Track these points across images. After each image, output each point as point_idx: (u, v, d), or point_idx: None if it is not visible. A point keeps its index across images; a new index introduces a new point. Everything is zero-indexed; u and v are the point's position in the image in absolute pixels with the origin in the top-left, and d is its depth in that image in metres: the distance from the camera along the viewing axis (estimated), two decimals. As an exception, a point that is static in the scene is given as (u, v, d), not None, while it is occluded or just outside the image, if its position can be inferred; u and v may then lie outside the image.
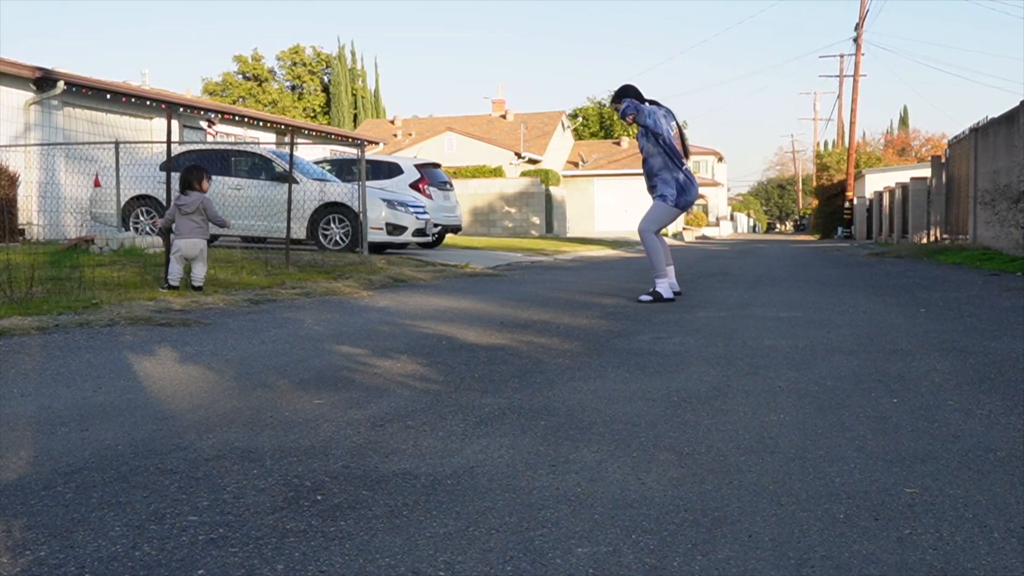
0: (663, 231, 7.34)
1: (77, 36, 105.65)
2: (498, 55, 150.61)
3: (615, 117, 48.22)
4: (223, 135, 18.99)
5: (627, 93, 7.04)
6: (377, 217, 12.13)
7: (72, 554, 1.70)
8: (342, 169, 15.50)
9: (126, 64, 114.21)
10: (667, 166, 7.02)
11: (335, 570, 1.64)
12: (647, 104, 6.97)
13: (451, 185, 16.94)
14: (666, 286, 6.88)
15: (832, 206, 40.11)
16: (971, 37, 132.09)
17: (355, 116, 50.94)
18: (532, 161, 35.95)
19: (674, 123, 7.01)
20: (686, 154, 7.11)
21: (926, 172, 23.69)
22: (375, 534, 1.82)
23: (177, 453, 2.41)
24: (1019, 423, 2.77)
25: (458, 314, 5.95)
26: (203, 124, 18.25)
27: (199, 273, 6.85)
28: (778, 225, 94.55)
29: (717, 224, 51.74)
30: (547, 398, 3.17)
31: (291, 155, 10.66)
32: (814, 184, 45.90)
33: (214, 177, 12.22)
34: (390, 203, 12.46)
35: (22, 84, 14.14)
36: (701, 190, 54.63)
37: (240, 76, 52.68)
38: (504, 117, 41.27)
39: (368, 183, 12.31)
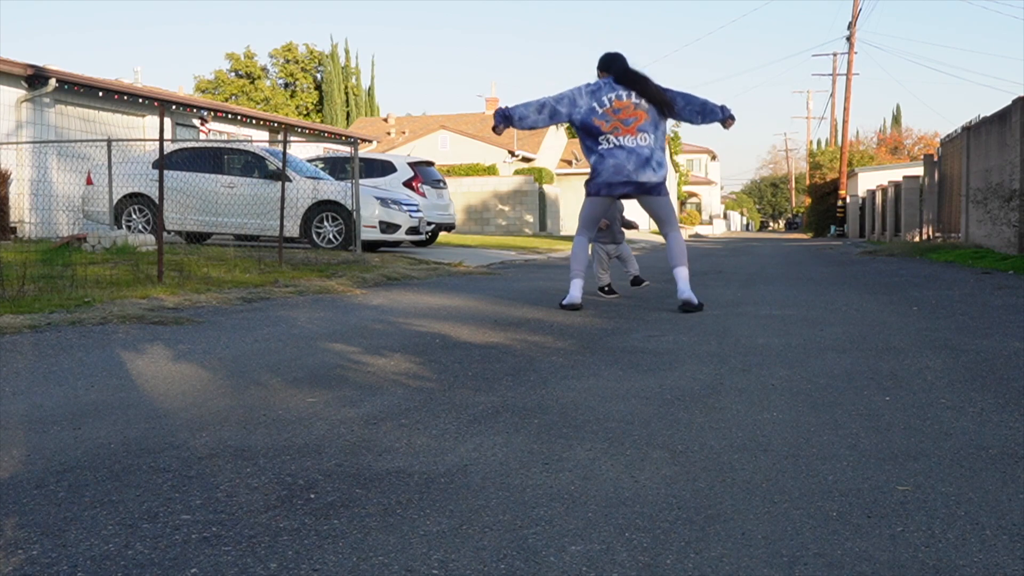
0: (680, 227, 6.42)
1: (69, 34, 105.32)
2: (492, 53, 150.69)
3: None
4: (216, 133, 18.93)
5: (603, 65, 6.18)
6: (370, 215, 12.12)
7: (64, 553, 1.69)
8: (335, 167, 15.47)
9: (118, 62, 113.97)
10: (586, 152, 6.12)
11: (328, 568, 1.63)
12: (581, 86, 6.08)
13: (444, 183, 16.93)
14: (574, 291, 6.12)
15: (825, 204, 40.20)
16: (964, 36, 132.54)
17: (348, 114, 50.83)
18: (526, 159, 35.93)
19: (612, 94, 5.99)
20: (665, 106, 6.01)
21: (919, 171, 23.78)
22: (368, 532, 1.82)
23: (170, 451, 2.40)
24: (1011, 420, 2.78)
25: (451, 312, 5.94)
26: (196, 122, 18.20)
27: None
28: (771, 223, 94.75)
29: (710, 222, 51.88)
30: (540, 396, 3.17)
31: (284, 153, 10.65)
32: (807, 182, 45.99)
33: (206, 175, 12.31)
34: (383, 201, 12.44)
35: (14, 81, 14.08)
36: (695, 188, 54.51)
37: (233, 74, 52.51)
38: (498, 115, 41.17)
39: (361, 181, 12.30)
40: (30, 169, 14.12)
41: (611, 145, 5.97)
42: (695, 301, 5.97)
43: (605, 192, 6.10)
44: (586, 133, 6.02)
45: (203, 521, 1.87)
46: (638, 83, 6.06)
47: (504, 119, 6.02)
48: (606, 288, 7.10)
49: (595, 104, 5.97)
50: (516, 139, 36.12)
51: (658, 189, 6.10)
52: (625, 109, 5.99)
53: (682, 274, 6.09)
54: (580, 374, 3.60)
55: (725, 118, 6.21)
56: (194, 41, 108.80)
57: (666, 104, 6.05)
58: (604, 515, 1.93)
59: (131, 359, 3.85)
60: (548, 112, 5.97)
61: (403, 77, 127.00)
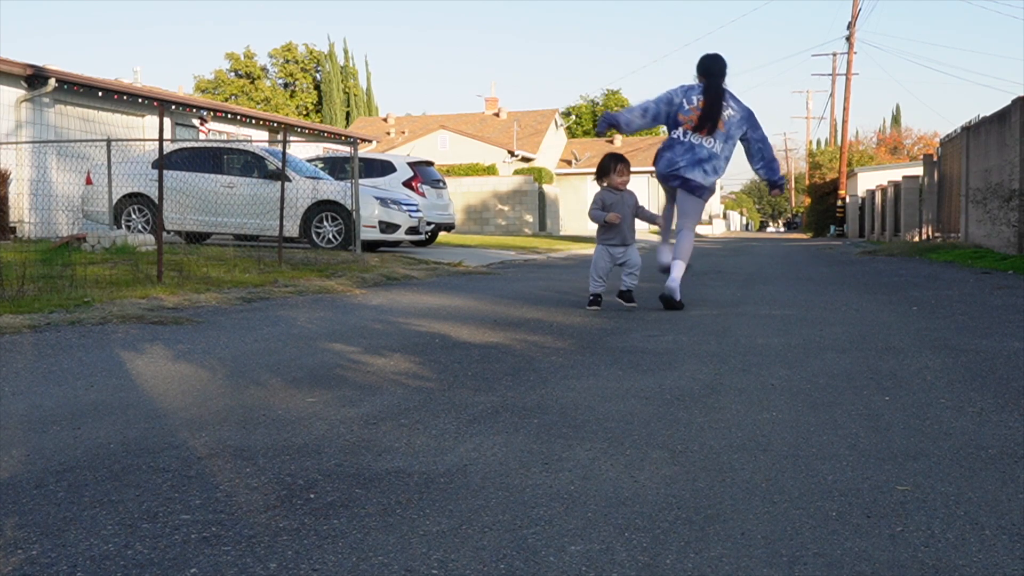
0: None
1: (69, 34, 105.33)
2: (491, 53, 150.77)
3: None
4: (216, 133, 18.93)
5: (704, 69, 6.31)
6: (370, 215, 12.12)
7: (64, 553, 1.69)
8: (335, 167, 15.47)
9: (118, 62, 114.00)
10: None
11: (328, 568, 1.63)
12: (679, 87, 6.40)
13: (444, 183, 16.93)
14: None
15: (825, 204, 40.20)
16: (964, 36, 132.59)
17: (347, 114, 50.86)
18: (525, 159, 35.95)
19: (700, 96, 6.22)
20: (704, 122, 6.19)
21: (918, 171, 23.78)
22: (368, 532, 1.82)
23: (169, 451, 2.40)
24: (1010, 420, 2.78)
25: (451, 312, 5.95)
26: (195, 122, 18.20)
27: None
28: (771, 223, 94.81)
29: (710, 222, 51.84)
30: (540, 396, 3.17)
31: (284, 153, 10.65)
32: (807, 182, 45.96)
33: (206, 175, 12.31)
34: (383, 201, 12.45)
35: (13, 81, 14.07)
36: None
37: (232, 74, 52.52)
38: (497, 115, 41.27)
39: (361, 181, 12.30)
40: (30, 169, 14.11)
41: (677, 137, 6.28)
42: (677, 297, 6.08)
43: (661, 180, 6.45)
44: (671, 125, 6.37)
45: (203, 521, 1.87)
46: (710, 103, 6.22)
47: (610, 126, 6.38)
48: (592, 298, 6.16)
49: (684, 102, 6.29)
50: (516, 139, 36.13)
51: (700, 191, 6.29)
52: (706, 106, 6.26)
53: (678, 266, 6.22)
54: (580, 374, 3.60)
55: (774, 185, 6.56)
56: (194, 41, 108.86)
57: (709, 103, 6.23)
58: (604, 515, 1.93)
59: (131, 359, 3.85)
60: (651, 115, 6.33)
61: (403, 77, 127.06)
